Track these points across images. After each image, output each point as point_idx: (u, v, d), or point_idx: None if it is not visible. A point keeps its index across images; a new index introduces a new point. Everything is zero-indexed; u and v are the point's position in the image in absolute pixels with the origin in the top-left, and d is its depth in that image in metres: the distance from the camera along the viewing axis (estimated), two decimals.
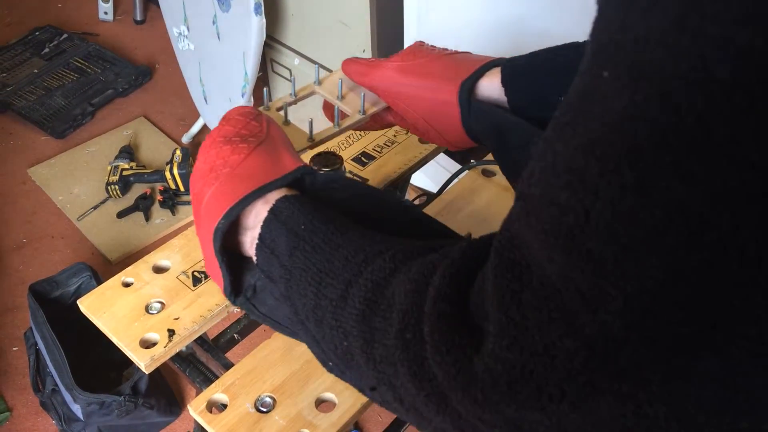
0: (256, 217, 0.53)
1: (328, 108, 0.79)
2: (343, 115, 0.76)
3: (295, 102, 0.76)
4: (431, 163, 0.98)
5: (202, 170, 0.56)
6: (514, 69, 0.65)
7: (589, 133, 0.29)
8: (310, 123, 0.71)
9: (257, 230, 0.52)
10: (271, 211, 0.51)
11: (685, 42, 0.26)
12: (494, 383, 0.33)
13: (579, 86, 0.31)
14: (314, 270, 0.46)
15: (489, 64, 0.67)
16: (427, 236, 0.49)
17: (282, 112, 0.74)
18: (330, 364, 0.48)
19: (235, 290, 0.57)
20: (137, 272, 0.77)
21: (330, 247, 0.47)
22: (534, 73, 0.64)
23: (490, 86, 0.66)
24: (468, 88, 0.66)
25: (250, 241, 0.55)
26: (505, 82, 0.65)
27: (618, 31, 0.29)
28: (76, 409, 1.48)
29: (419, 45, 0.73)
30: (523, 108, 0.64)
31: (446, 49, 0.72)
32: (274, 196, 0.53)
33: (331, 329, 0.44)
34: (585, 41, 0.32)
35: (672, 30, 0.27)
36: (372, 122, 0.79)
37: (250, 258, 0.55)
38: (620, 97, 0.28)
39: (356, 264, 0.45)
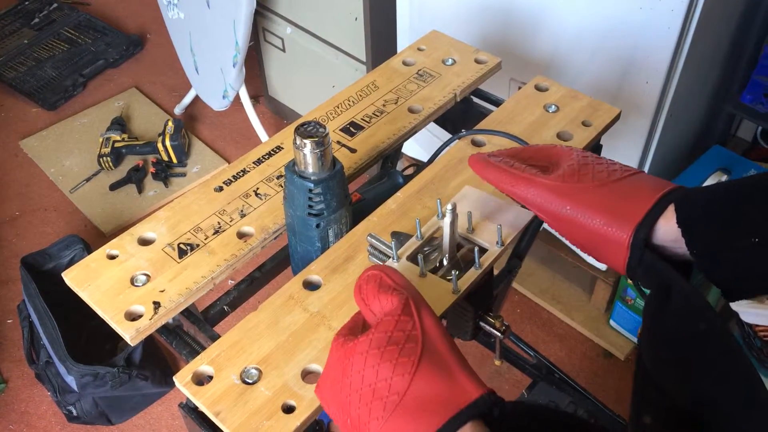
0: None
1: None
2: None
3: (422, 245, 0.72)
4: (423, 131, 0.97)
5: (359, 389, 0.50)
6: (692, 210, 0.58)
7: None
8: (421, 260, 0.67)
9: None
10: None
11: None
12: None
13: None
14: None
15: (663, 202, 0.59)
16: None
17: (416, 263, 0.69)
18: None
19: None
20: (122, 244, 0.77)
21: None
22: (715, 218, 0.57)
23: (667, 228, 0.59)
24: (643, 236, 0.59)
25: None
26: (681, 224, 0.58)
27: None
28: (70, 380, 1.48)
29: (583, 161, 0.65)
30: (703, 259, 0.58)
31: (614, 164, 0.65)
32: None
33: None
34: None
35: None
36: None
37: None
38: None
39: None
